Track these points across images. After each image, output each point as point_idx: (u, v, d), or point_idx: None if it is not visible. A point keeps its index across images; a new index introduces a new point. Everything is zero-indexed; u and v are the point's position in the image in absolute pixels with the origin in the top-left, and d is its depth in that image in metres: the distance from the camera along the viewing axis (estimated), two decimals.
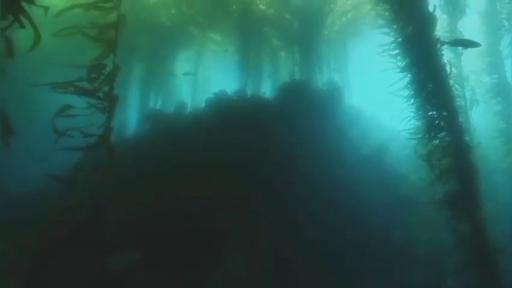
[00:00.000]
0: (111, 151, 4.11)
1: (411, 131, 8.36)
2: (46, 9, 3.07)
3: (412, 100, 8.03)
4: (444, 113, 7.26)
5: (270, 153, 9.94)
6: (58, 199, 5.87)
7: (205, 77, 30.70)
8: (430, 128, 7.45)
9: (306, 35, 16.83)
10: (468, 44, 8.96)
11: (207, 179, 8.35)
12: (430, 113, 7.47)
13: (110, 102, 4.10)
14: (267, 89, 20.51)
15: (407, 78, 8.16)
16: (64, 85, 3.70)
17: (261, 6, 17.96)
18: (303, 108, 12.93)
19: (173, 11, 18.10)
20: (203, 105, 14.89)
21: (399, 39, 8.15)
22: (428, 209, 8.41)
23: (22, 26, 2.86)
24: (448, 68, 7.61)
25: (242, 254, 7.11)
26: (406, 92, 8.20)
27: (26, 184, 8.57)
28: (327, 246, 8.25)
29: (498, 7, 12.44)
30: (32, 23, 3.01)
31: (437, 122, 7.34)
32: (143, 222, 6.89)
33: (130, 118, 19.07)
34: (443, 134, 7.31)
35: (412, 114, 8.20)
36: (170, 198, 7.77)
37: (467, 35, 11.50)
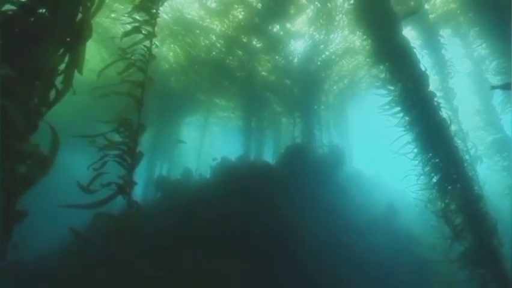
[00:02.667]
0: (133, 204, 4.07)
1: (422, 188, 8.27)
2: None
3: (419, 156, 8.07)
4: (455, 166, 7.26)
5: (271, 222, 9.70)
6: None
7: (209, 142, 31.61)
8: (443, 182, 7.35)
9: (306, 99, 17.65)
10: None
11: (209, 253, 8.14)
12: (439, 165, 7.45)
13: (132, 158, 4.21)
14: (269, 153, 21.01)
15: (408, 135, 8.33)
16: (94, 138, 3.84)
17: (263, 73, 19.15)
18: (305, 173, 13.01)
19: (182, 78, 19.19)
20: (207, 172, 15.19)
21: (397, 98, 8.50)
22: (445, 269, 7.97)
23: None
24: (448, 122, 7.79)
25: None
26: (407, 150, 8.33)
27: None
28: None
29: (483, 67, 13.15)
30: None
31: (449, 174, 7.29)
32: None
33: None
34: (456, 186, 7.20)
35: (418, 171, 8.20)
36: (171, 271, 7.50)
37: (460, 94, 12.07)
